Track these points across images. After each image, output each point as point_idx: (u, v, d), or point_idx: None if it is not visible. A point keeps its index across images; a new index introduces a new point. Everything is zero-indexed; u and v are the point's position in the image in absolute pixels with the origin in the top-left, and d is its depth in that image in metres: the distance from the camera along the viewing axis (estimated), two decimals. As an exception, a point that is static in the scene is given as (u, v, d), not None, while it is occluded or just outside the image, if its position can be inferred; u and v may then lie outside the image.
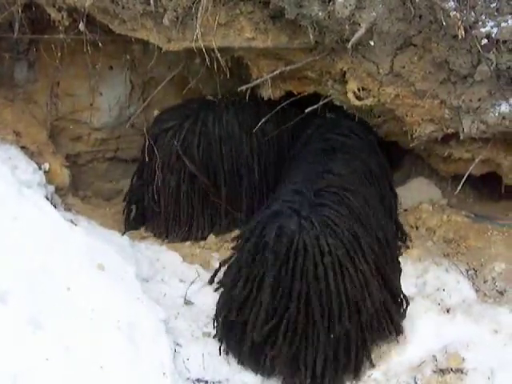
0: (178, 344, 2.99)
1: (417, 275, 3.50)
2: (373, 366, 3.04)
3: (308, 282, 2.86)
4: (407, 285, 3.41)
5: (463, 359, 3.00)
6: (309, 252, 2.89)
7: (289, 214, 3.04)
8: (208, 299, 3.43)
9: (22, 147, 3.75)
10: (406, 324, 3.19)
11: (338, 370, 2.94)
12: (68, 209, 3.87)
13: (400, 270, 3.44)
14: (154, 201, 4.04)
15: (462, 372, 2.95)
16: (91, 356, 2.59)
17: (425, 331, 3.15)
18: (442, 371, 2.97)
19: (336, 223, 3.02)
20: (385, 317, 3.10)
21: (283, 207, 3.10)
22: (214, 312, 3.25)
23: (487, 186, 4.05)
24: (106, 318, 2.77)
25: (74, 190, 4.25)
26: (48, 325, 2.61)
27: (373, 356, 3.05)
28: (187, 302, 3.40)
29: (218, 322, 3.16)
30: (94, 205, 4.40)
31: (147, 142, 4.00)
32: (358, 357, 2.97)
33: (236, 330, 3.06)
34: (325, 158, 3.53)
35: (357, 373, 3.00)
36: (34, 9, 3.66)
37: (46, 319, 2.62)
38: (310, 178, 3.36)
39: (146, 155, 3.99)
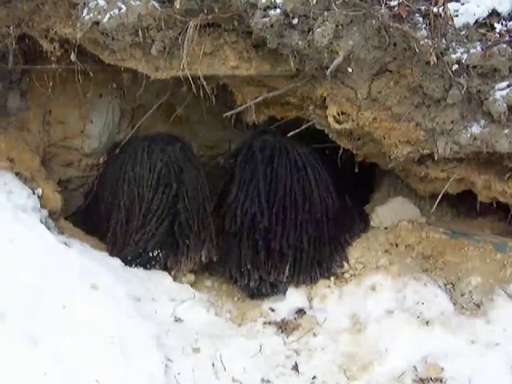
0: (169, 359, 3.06)
1: (397, 290, 3.60)
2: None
3: (291, 172, 3.87)
4: (388, 299, 3.54)
5: (442, 369, 3.11)
6: (290, 152, 3.92)
7: (270, 134, 4.04)
8: (197, 317, 3.55)
9: (16, 173, 3.78)
10: (387, 336, 3.32)
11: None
12: (61, 232, 3.92)
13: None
14: None
15: (440, 381, 3.07)
16: (87, 370, 2.68)
17: (405, 343, 3.26)
18: (422, 381, 3.08)
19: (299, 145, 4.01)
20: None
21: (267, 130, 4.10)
22: (202, 329, 3.38)
23: (464, 204, 4.12)
24: (100, 335, 2.86)
25: (65, 214, 4.27)
26: (44, 341, 2.70)
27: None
28: (177, 320, 3.48)
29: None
30: (85, 228, 4.42)
31: None
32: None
33: None
34: None
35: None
36: (27, 40, 3.74)
37: (42, 335, 2.71)
38: None
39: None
